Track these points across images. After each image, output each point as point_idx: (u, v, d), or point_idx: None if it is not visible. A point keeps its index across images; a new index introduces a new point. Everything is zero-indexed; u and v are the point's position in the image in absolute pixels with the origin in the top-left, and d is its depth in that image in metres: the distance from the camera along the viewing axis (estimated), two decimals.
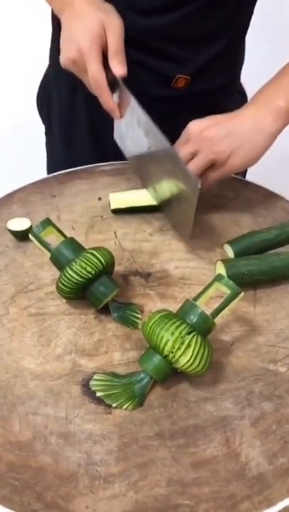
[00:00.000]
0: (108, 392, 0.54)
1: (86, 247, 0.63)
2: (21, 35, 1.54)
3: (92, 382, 0.55)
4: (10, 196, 0.82)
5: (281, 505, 0.46)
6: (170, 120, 0.78)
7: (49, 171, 1.05)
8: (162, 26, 0.76)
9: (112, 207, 0.77)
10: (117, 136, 0.84)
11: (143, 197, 0.78)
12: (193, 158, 0.69)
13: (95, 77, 0.67)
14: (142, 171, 0.81)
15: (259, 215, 0.79)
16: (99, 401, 0.53)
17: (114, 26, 0.67)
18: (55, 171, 0.89)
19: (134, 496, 0.46)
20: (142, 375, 0.55)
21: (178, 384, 0.55)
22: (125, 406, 0.53)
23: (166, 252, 0.71)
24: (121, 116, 0.74)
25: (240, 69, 0.95)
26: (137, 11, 0.72)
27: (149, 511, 0.45)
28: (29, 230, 0.69)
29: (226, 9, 0.77)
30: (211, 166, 0.70)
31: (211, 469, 0.48)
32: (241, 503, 0.46)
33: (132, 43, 0.75)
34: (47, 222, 0.62)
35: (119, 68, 0.67)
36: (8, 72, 1.68)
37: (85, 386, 0.55)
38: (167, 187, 0.73)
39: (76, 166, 0.89)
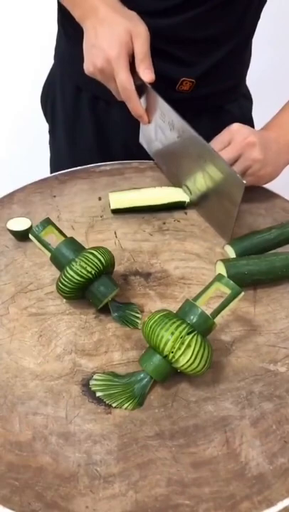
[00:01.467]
0: (108, 392, 0.54)
1: (86, 247, 0.63)
2: (26, 34, 1.54)
3: (92, 382, 0.55)
4: (10, 196, 0.82)
5: (281, 505, 0.46)
6: None
7: (52, 169, 1.05)
8: (168, 28, 0.76)
9: (112, 207, 0.76)
10: (143, 140, 0.85)
11: (143, 197, 0.78)
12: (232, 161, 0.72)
13: (124, 86, 0.68)
14: (174, 171, 0.82)
15: (259, 215, 0.79)
16: (99, 401, 0.53)
17: (140, 33, 0.67)
18: (59, 170, 0.89)
19: (134, 496, 0.46)
20: (142, 375, 0.55)
21: (178, 384, 0.55)
22: (125, 406, 0.53)
23: (166, 252, 0.71)
24: (149, 122, 0.75)
25: (246, 71, 0.94)
26: (144, 12, 0.72)
27: (149, 511, 0.45)
28: (29, 229, 0.69)
29: (233, 13, 0.77)
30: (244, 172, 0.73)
31: (211, 469, 0.48)
32: (241, 503, 0.46)
33: None
34: (47, 222, 0.62)
35: (147, 74, 0.69)
36: (9, 72, 1.68)
37: (85, 386, 0.55)
38: (205, 185, 0.73)
39: (80, 165, 0.89)
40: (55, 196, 0.82)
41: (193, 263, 0.70)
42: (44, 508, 0.45)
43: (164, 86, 0.78)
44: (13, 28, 1.57)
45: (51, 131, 1.03)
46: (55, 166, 1.05)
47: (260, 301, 0.65)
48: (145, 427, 0.51)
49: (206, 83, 0.83)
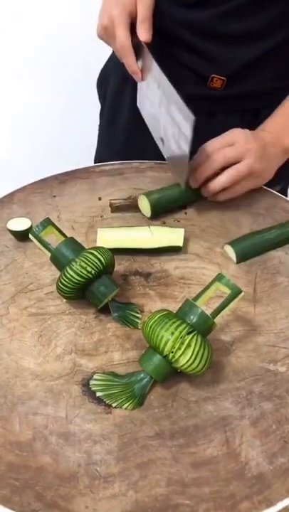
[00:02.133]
0: (108, 391, 0.54)
1: (86, 247, 0.63)
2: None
3: (92, 382, 0.55)
4: (10, 196, 0.82)
5: (281, 505, 0.46)
6: (206, 120, 0.79)
7: (97, 147, 1.07)
8: (199, 21, 0.76)
9: (98, 244, 0.70)
10: (139, 103, 0.86)
11: (133, 238, 0.71)
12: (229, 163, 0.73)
13: (121, 41, 0.71)
14: (155, 128, 0.81)
15: (259, 215, 0.79)
16: (99, 401, 0.53)
17: None
18: (99, 151, 0.94)
19: (134, 496, 0.46)
20: (142, 375, 0.55)
21: (178, 384, 0.55)
22: (125, 406, 0.53)
23: (166, 252, 0.71)
24: (142, 79, 0.77)
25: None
26: (176, 4, 0.75)
27: (149, 511, 0.45)
28: (29, 229, 0.69)
29: (272, 8, 0.74)
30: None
31: (211, 469, 0.48)
32: (241, 503, 0.46)
33: (167, 36, 0.77)
34: (47, 222, 0.62)
35: (145, 34, 0.71)
36: (9, 72, 1.68)
37: (85, 386, 0.55)
38: (170, 131, 0.73)
39: (113, 151, 0.94)
40: (55, 196, 0.82)
41: (193, 263, 0.70)
42: (44, 508, 0.45)
43: (195, 82, 0.79)
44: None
45: (100, 112, 1.05)
46: (98, 147, 1.07)
47: (260, 301, 0.65)
48: (145, 426, 0.51)
49: (239, 82, 0.81)
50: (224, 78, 0.81)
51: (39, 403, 0.53)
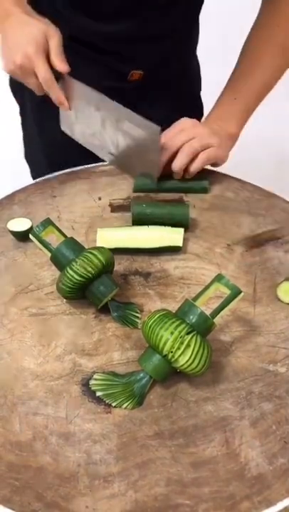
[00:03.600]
0: (108, 391, 0.54)
1: (86, 247, 0.63)
2: None
3: (92, 382, 0.55)
4: (10, 197, 0.82)
5: (281, 505, 0.46)
6: (129, 108, 0.82)
7: (25, 146, 1.10)
8: (112, 31, 0.81)
9: (98, 244, 0.70)
10: (65, 127, 0.89)
11: (133, 237, 0.71)
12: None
13: (45, 77, 0.74)
14: (97, 144, 0.85)
15: (259, 215, 0.79)
16: (99, 400, 0.53)
17: (53, 33, 0.73)
18: (29, 146, 0.99)
19: (134, 496, 0.46)
20: (142, 375, 0.55)
21: (177, 384, 0.55)
22: (125, 405, 0.53)
23: (166, 251, 0.71)
24: (70, 109, 0.81)
25: (196, 47, 0.99)
26: (91, 17, 0.79)
27: (148, 511, 0.45)
28: (29, 230, 0.69)
29: (176, 10, 0.81)
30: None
31: (211, 469, 0.48)
32: (241, 503, 0.46)
33: (86, 44, 0.82)
34: (47, 222, 0.62)
35: (62, 66, 0.74)
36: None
37: (85, 386, 0.55)
38: (126, 144, 0.79)
39: (47, 141, 0.97)
40: (55, 196, 0.82)
41: (192, 263, 0.70)
42: (44, 508, 0.45)
43: (115, 78, 0.85)
44: None
45: (21, 113, 1.07)
46: (26, 142, 1.09)
47: (260, 301, 0.65)
48: (145, 426, 0.51)
49: (156, 72, 0.88)
50: (142, 72, 0.88)
51: (39, 403, 0.53)
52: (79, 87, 0.78)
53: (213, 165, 0.84)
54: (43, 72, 0.73)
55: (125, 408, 0.53)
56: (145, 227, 0.72)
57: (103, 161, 0.90)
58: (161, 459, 0.49)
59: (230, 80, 0.86)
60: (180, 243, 0.70)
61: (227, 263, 0.70)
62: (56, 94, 0.77)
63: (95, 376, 0.55)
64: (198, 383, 0.55)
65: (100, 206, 0.80)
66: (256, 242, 0.74)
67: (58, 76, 0.76)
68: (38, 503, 0.46)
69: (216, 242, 0.73)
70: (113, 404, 0.53)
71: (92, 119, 0.81)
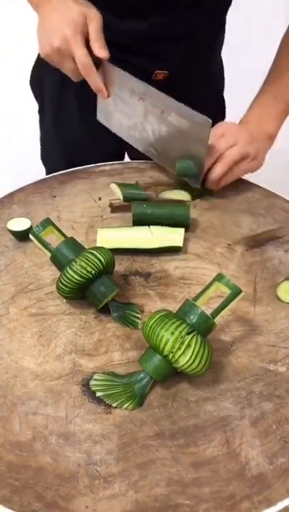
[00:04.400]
0: (108, 392, 0.54)
1: (86, 247, 0.63)
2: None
3: (92, 382, 0.55)
4: (10, 196, 0.82)
5: (281, 505, 0.46)
6: None
7: (42, 147, 1.08)
8: (139, 30, 0.80)
9: (98, 244, 0.70)
10: (101, 116, 0.87)
11: (133, 237, 0.71)
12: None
13: (83, 61, 0.71)
14: (137, 136, 0.84)
15: (259, 215, 0.79)
16: (99, 401, 0.53)
17: (94, 17, 0.71)
18: (47, 149, 0.98)
19: (134, 496, 0.46)
20: (142, 375, 0.55)
21: (178, 384, 0.55)
22: (125, 406, 0.53)
23: (167, 252, 0.71)
24: (108, 96, 0.79)
25: (220, 52, 0.97)
26: (118, 16, 0.78)
27: (149, 511, 0.45)
28: (29, 230, 0.69)
29: (202, 10, 0.80)
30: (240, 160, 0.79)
31: (211, 469, 0.48)
32: (241, 503, 0.46)
33: (111, 43, 0.80)
34: (47, 222, 0.62)
35: (102, 52, 0.72)
36: (8, 72, 1.68)
37: (85, 386, 0.55)
38: (170, 139, 0.77)
39: (66, 141, 0.96)
40: (55, 196, 0.82)
41: (193, 263, 0.70)
42: (44, 508, 0.45)
43: (140, 77, 0.83)
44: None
45: (40, 111, 1.05)
46: (43, 146, 1.08)
47: (260, 301, 0.65)
48: (145, 426, 0.51)
49: (180, 72, 0.87)
50: (167, 72, 0.86)
51: (39, 403, 0.53)
52: (121, 75, 0.75)
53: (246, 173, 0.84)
54: (81, 56, 0.71)
55: (126, 409, 0.53)
56: (145, 227, 0.72)
57: (104, 161, 0.90)
58: (161, 459, 0.49)
59: (268, 79, 0.85)
60: (180, 243, 0.70)
61: (227, 263, 0.70)
62: (94, 80, 0.74)
63: (95, 377, 0.55)
64: (199, 383, 0.55)
65: (100, 206, 0.80)
66: (256, 242, 0.74)
67: (97, 62, 0.73)
68: (38, 503, 0.45)
69: (217, 242, 0.73)
70: (113, 405, 0.53)
71: (134, 110, 0.79)
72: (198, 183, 0.79)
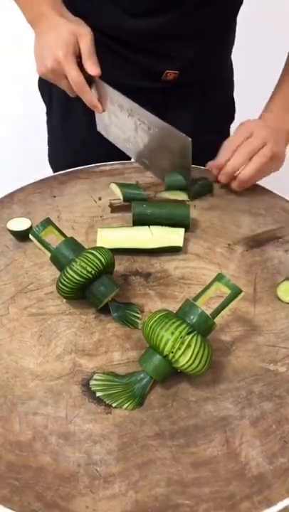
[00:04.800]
0: (108, 392, 0.54)
1: (86, 247, 0.63)
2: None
3: (92, 382, 0.55)
4: (10, 196, 0.82)
5: (281, 505, 0.46)
6: (161, 109, 0.83)
7: (50, 148, 1.09)
8: (149, 28, 0.80)
9: (98, 244, 0.70)
10: (100, 128, 0.89)
11: (133, 237, 0.71)
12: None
13: (76, 81, 0.74)
14: (130, 147, 0.86)
15: (259, 215, 0.79)
16: (99, 401, 0.53)
17: (84, 34, 0.73)
18: (54, 150, 0.98)
19: (134, 496, 0.46)
20: (142, 375, 0.55)
21: (178, 384, 0.55)
22: (125, 406, 0.53)
23: (167, 252, 0.71)
24: (103, 110, 0.81)
25: (231, 50, 0.97)
26: (128, 14, 0.78)
27: (149, 511, 0.45)
28: (29, 230, 0.69)
29: (212, 9, 0.80)
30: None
31: (211, 469, 0.48)
32: (241, 503, 0.46)
33: (122, 42, 0.79)
34: (47, 222, 0.62)
35: (93, 69, 0.74)
36: (8, 71, 1.68)
37: (85, 386, 0.55)
38: (158, 151, 0.80)
39: (73, 142, 0.97)
40: (55, 196, 0.82)
41: (193, 263, 0.70)
42: (44, 508, 0.45)
43: (149, 78, 0.84)
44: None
45: (48, 112, 1.05)
46: (51, 146, 1.08)
47: (260, 301, 0.65)
48: (145, 426, 0.51)
49: (190, 72, 0.86)
50: (177, 72, 0.86)
51: (39, 403, 0.53)
52: (111, 92, 0.78)
53: None
54: (73, 76, 0.73)
55: (126, 409, 0.53)
56: (145, 227, 0.72)
57: (104, 161, 0.90)
58: (161, 459, 0.49)
59: (285, 73, 0.85)
60: (180, 243, 0.70)
61: (227, 263, 0.70)
62: (88, 97, 0.77)
63: (95, 377, 0.55)
64: (199, 383, 0.55)
65: (100, 206, 0.80)
66: (256, 242, 0.74)
67: (89, 79, 0.75)
68: (38, 503, 0.45)
69: (217, 242, 0.73)
70: (113, 405, 0.53)
71: (126, 124, 0.82)
72: (187, 195, 0.80)
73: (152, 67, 0.85)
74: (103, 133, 0.89)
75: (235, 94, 1.04)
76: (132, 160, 0.88)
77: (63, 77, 0.75)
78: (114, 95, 0.78)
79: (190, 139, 0.72)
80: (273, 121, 0.81)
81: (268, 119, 0.82)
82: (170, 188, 0.81)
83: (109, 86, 0.77)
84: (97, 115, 0.87)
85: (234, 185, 0.81)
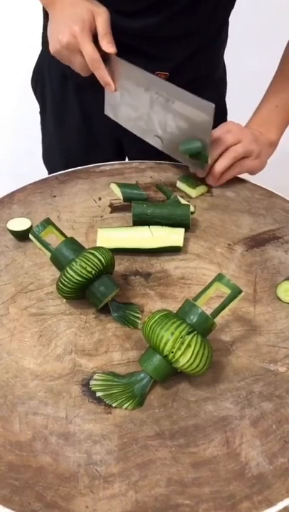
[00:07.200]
0: (108, 392, 0.54)
1: (86, 247, 0.63)
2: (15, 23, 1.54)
3: (92, 382, 0.55)
4: (10, 196, 0.82)
5: (281, 505, 0.46)
6: None
7: (43, 150, 1.09)
8: (140, 28, 0.80)
9: (98, 244, 0.70)
10: (108, 111, 0.89)
11: (133, 238, 0.71)
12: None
13: (91, 55, 0.73)
14: (144, 127, 0.85)
15: (259, 215, 0.79)
16: (99, 401, 0.53)
17: (101, 13, 0.74)
18: (48, 150, 0.98)
19: (134, 496, 0.46)
20: (142, 375, 0.55)
21: (178, 384, 0.55)
22: (125, 406, 0.53)
23: (167, 252, 0.71)
24: (115, 90, 0.80)
25: (223, 52, 0.98)
26: (119, 13, 0.78)
27: (149, 511, 0.45)
28: (29, 230, 0.69)
29: (203, 10, 0.81)
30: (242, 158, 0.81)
31: (211, 469, 0.48)
32: (241, 503, 0.46)
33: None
34: (47, 222, 0.62)
35: (109, 47, 0.75)
36: (8, 71, 1.68)
37: (85, 386, 0.55)
38: (175, 126, 0.79)
39: (67, 142, 0.96)
40: (55, 196, 0.82)
41: (193, 263, 0.70)
42: (44, 508, 0.45)
43: None
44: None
45: (41, 112, 1.05)
46: (45, 146, 1.09)
47: (260, 301, 0.65)
48: (145, 426, 0.51)
49: (180, 74, 0.87)
50: (167, 73, 0.86)
51: (39, 403, 0.53)
52: (127, 68, 0.77)
53: (248, 173, 0.85)
54: (89, 51, 0.73)
55: (126, 409, 0.53)
56: (145, 227, 0.72)
57: (105, 161, 0.90)
58: (161, 459, 0.49)
59: (271, 87, 0.87)
60: (180, 243, 0.70)
61: (227, 263, 0.70)
62: (103, 74, 0.76)
63: (95, 377, 0.55)
64: (199, 383, 0.55)
65: (100, 206, 0.80)
66: (256, 242, 0.74)
67: (104, 57, 0.75)
68: (38, 503, 0.45)
69: (217, 242, 0.73)
70: (113, 405, 0.53)
71: (140, 101, 0.81)
72: (202, 164, 0.80)
73: (143, 68, 0.84)
74: (111, 115, 0.89)
75: (227, 96, 1.05)
76: (145, 139, 0.87)
77: (78, 53, 0.74)
78: (130, 70, 0.77)
79: (213, 105, 0.71)
80: (254, 131, 0.84)
81: (249, 128, 0.85)
82: (186, 151, 0.79)
83: (125, 61, 0.77)
84: (106, 96, 0.87)
85: (208, 180, 0.83)
